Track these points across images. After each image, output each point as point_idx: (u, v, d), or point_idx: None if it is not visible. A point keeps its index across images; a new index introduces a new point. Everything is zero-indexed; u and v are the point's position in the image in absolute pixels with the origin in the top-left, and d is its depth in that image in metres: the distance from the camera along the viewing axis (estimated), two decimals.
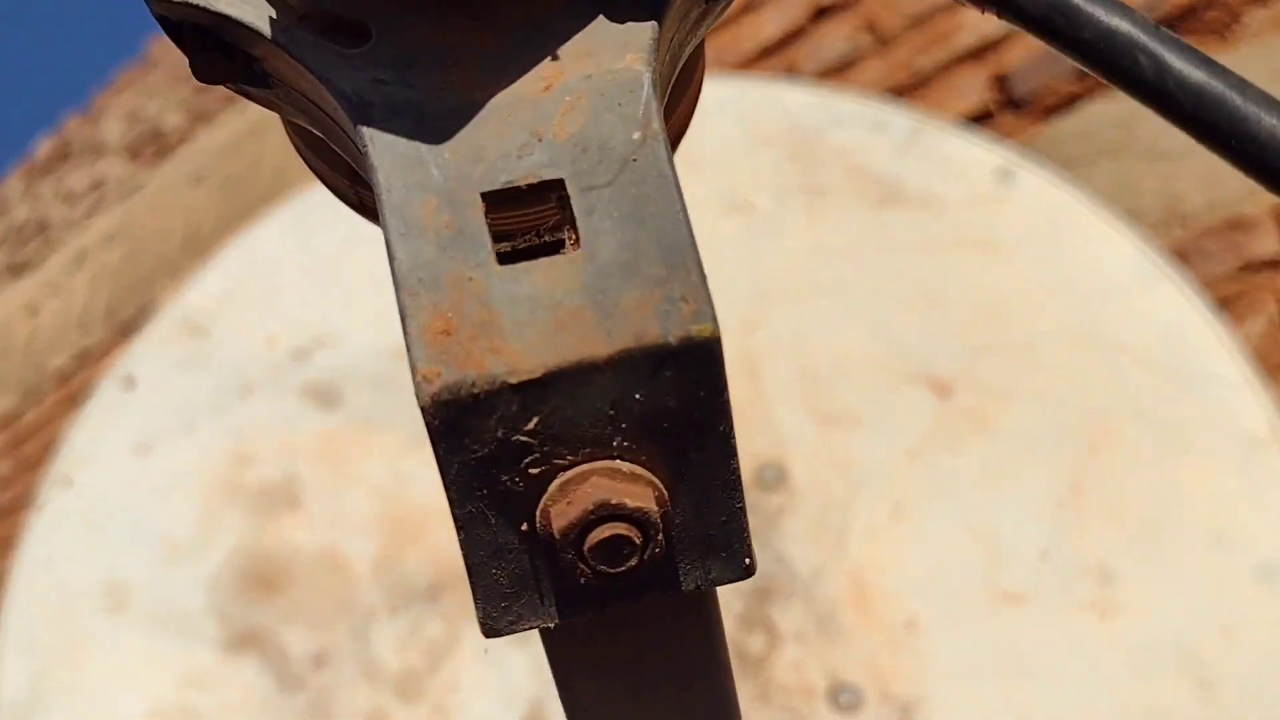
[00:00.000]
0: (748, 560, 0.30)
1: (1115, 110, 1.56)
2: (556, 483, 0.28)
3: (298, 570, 1.19)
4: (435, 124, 0.30)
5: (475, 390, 0.27)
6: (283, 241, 1.36)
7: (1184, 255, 1.40)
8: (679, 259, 0.28)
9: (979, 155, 1.30)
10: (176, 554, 1.19)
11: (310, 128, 0.35)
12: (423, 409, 0.27)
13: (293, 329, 1.30)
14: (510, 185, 0.29)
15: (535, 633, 0.32)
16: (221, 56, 0.32)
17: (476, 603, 0.29)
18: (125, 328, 2.49)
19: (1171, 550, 1.08)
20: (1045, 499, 1.12)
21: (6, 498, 2.53)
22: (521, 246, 0.29)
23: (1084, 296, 1.19)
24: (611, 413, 0.28)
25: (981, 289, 1.21)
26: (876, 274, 1.24)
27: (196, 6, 0.31)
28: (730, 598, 1.15)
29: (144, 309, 2.47)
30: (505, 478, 0.28)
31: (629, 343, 0.28)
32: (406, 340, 0.28)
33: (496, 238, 0.29)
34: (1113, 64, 0.28)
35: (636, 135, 0.29)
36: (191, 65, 0.32)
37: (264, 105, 0.35)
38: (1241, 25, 1.54)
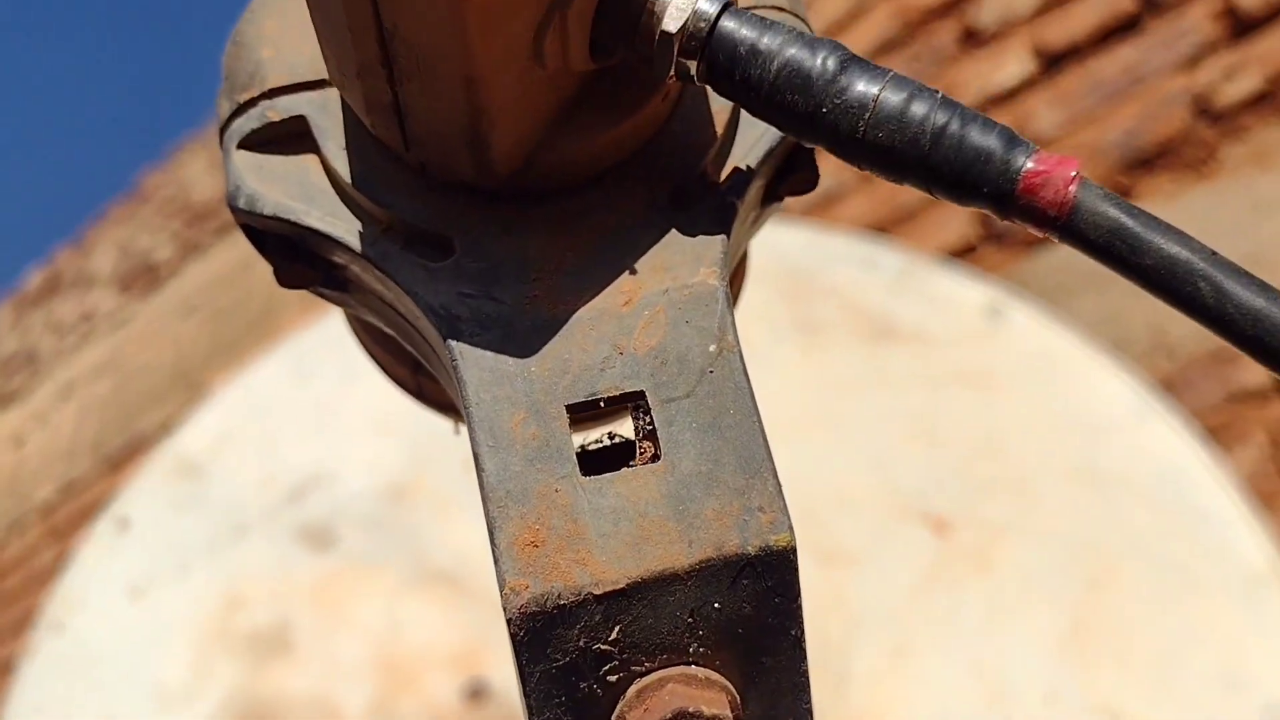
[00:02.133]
0: None
1: None
2: (634, 689, 0.29)
3: (291, 718, 1.17)
4: (522, 339, 0.31)
5: (561, 601, 0.28)
6: (279, 381, 1.36)
7: (1172, 386, 1.42)
8: (756, 469, 0.30)
9: (968, 292, 1.32)
10: (169, 701, 1.16)
11: (382, 327, 0.36)
12: (509, 620, 0.28)
13: (288, 469, 1.29)
14: (594, 398, 0.30)
15: None
16: (306, 265, 0.33)
17: None
18: (112, 460, 2.47)
19: (1179, 690, 1.07)
20: (1049, 637, 1.11)
21: None
22: (594, 448, 0.30)
23: (1079, 432, 1.20)
24: (690, 620, 0.29)
25: (977, 424, 1.22)
26: (872, 409, 1.25)
27: (285, 220, 0.32)
28: None
29: (131, 441, 2.46)
30: (584, 685, 0.29)
31: (710, 553, 0.29)
32: (495, 551, 0.29)
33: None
34: (1175, 290, 0.29)
35: (713, 348, 0.31)
36: (276, 273, 0.33)
37: (338, 304, 0.36)
38: (1218, 161, 1.58)
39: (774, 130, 0.35)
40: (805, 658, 0.30)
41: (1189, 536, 1.12)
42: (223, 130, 0.35)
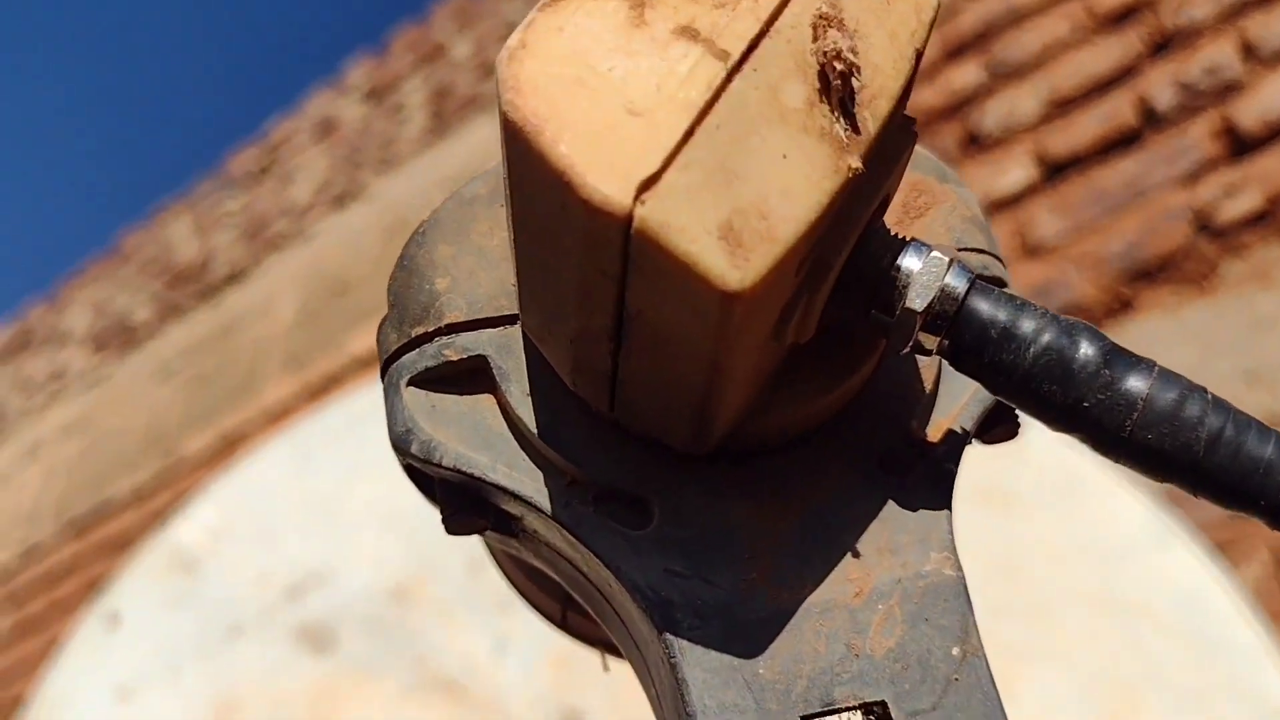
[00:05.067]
0: None
1: None
2: None
3: None
4: (747, 634, 0.28)
5: None
6: (279, 474, 1.32)
7: (1177, 500, 1.41)
8: None
9: None
10: None
11: (548, 571, 0.33)
12: None
13: (287, 566, 1.26)
14: (831, 708, 0.28)
15: None
16: (477, 514, 0.31)
17: None
18: (77, 526, 2.40)
19: None
20: None
21: None
22: None
23: (1098, 555, 1.19)
24: None
25: (995, 545, 1.21)
26: None
27: (467, 474, 0.30)
28: None
29: (99, 508, 2.39)
30: None
31: None
32: None
33: None
34: None
35: (956, 651, 0.29)
36: (445, 522, 0.31)
37: (503, 546, 0.34)
38: (1219, 276, 1.59)
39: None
40: None
41: (1210, 667, 1.11)
42: (389, 361, 0.33)
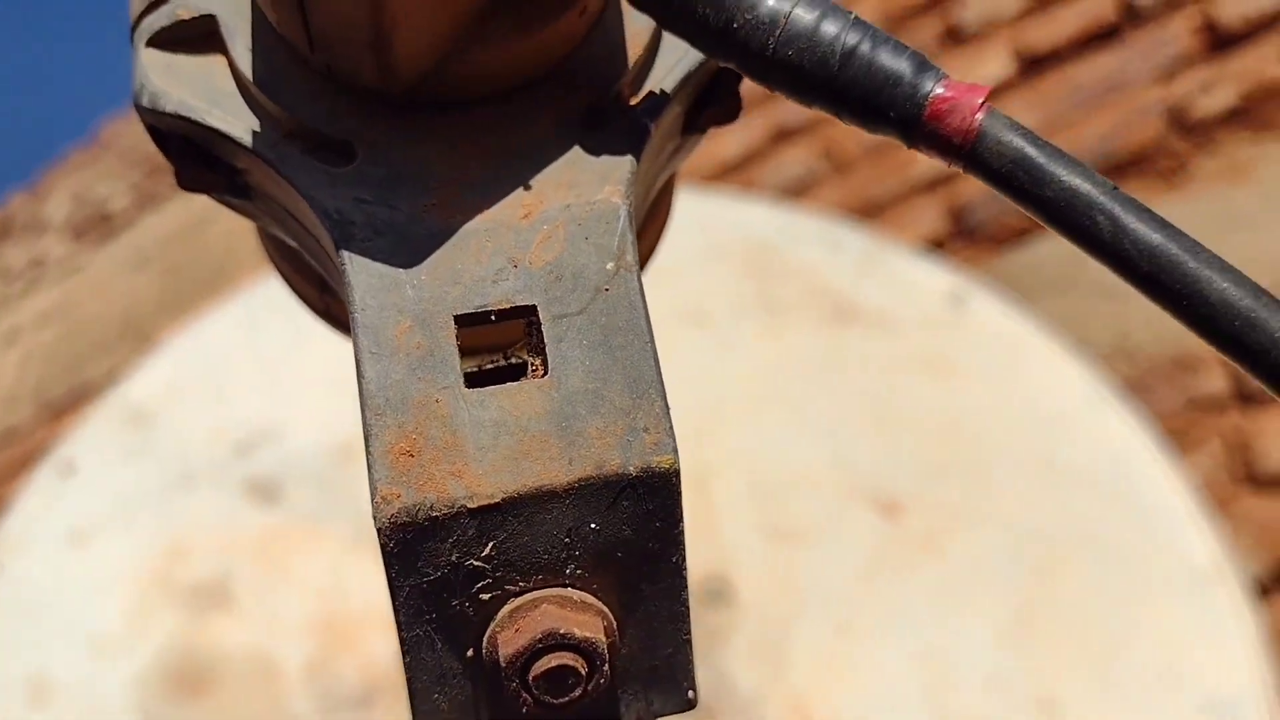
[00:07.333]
0: (691, 693, 0.31)
1: (1065, 247, 1.60)
2: (506, 609, 0.29)
3: (227, 672, 1.15)
4: (414, 246, 0.30)
5: (434, 513, 0.27)
6: (233, 333, 1.34)
7: (1132, 391, 1.43)
8: (644, 389, 0.29)
9: (932, 279, 1.32)
10: (104, 650, 1.14)
11: (285, 238, 0.35)
12: (379, 530, 0.27)
13: (238, 422, 1.27)
14: (483, 309, 0.30)
15: None
16: (206, 168, 0.33)
17: None
18: (54, 408, 2.43)
19: (1118, 683, 1.07)
20: (993, 625, 1.12)
21: None
22: (488, 367, 0.30)
23: (1035, 422, 1.20)
24: (567, 540, 0.28)
25: (934, 410, 1.22)
26: (830, 390, 1.25)
27: (186, 119, 0.32)
28: None
29: (75, 390, 2.42)
30: (455, 602, 0.28)
31: (589, 471, 0.28)
32: (369, 459, 0.28)
33: (465, 356, 0.30)
34: (1072, 222, 0.29)
35: (610, 266, 0.30)
36: (176, 175, 0.33)
37: (242, 214, 0.35)
38: (1188, 173, 1.59)
39: (693, 54, 0.34)
40: (686, 586, 0.30)
41: (1138, 531, 1.13)
42: (133, 29, 0.34)
